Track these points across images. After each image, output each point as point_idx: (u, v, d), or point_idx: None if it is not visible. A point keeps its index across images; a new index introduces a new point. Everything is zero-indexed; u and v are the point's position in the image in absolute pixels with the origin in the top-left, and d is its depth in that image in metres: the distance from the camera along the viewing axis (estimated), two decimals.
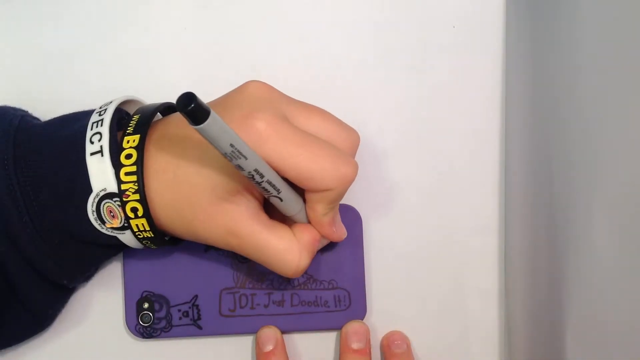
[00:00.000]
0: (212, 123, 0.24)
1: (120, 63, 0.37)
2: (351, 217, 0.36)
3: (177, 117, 0.31)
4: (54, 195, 0.30)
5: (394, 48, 0.39)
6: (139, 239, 0.31)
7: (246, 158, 0.26)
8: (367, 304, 0.37)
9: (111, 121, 0.30)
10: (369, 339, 0.36)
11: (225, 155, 0.26)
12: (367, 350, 0.36)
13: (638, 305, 0.26)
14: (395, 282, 0.37)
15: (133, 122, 0.30)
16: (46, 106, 0.34)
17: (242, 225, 0.30)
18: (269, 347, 0.35)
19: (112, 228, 0.30)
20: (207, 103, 0.28)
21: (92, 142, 0.29)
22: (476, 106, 0.38)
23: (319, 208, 0.31)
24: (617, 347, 0.27)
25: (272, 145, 0.28)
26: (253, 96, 0.30)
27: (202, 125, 0.24)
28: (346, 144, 0.31)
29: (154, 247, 0.32)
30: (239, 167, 0.27)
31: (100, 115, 0.30)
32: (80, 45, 0.37)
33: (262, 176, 0.28)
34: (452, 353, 0.38)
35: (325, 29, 0.39)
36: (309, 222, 0.32)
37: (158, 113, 0.32)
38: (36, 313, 0.33)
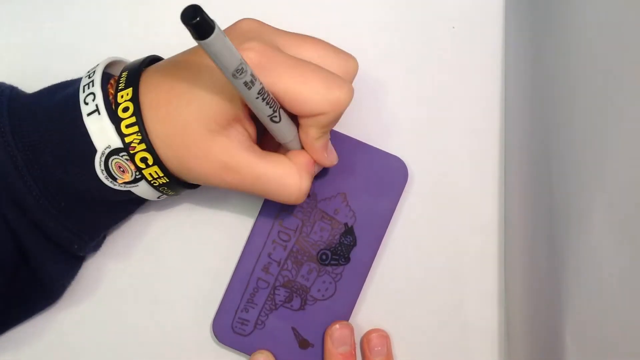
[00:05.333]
0: (217, 37, 0.24)
1: None
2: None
3: (167, 59, 0.32)
4: (55, 157, 0.30)
5: (394, 48, 0.39)
6: (154, 187, 0.31)
7: (252, 75, 0.26)
8: (366, 304, 0.37)
9: (102, 80, 0.30)
10: (354, 340, 0.36)
11: (230, 73, 0.25)
12: (352, 352, 0.36)
13: (638, 305, 0.26)
14: (395, 282, 0.37)
15: (123, 78, 0.30)
16: None
17: (238, 158, 0.30)
18: None
19: (125, 183, 0.30)
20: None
21: (86, 103, 0.30)
22: (476, 106, 0.38)
23: (312, 132, 0.31)
24: (617, 347, 0.27)
25: (263, 71, 0.28)
26: (244, 30, 0.30)
27: (207, 40, 0.23)
28: (341, 69, 0.31)
29: (173, 193, 0.32)
30: (245, 85, 0.26)
31: (90, 77, 0.31)
32: (81, 46, 0.37)
33: (266, 92, 0.28)
34: (452, 353, 0.37)
35: (324, 30, 0.38)
36: (302, 149, 0.32)
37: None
38: (47, 284, 0.33)
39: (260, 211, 0.36)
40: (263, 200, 0.36)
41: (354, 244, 0.36)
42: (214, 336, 0.36)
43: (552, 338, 0.31)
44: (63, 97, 0.31)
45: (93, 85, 0.30)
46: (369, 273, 0.37)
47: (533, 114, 0.35)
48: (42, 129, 0.30)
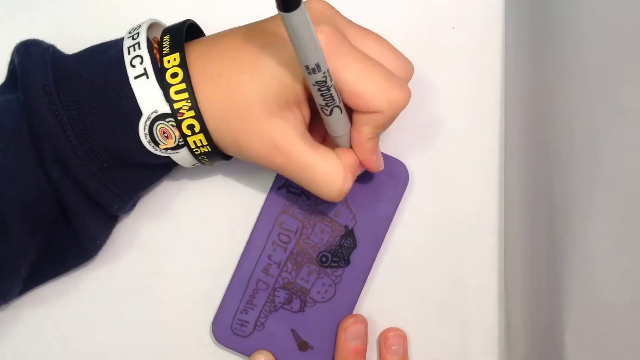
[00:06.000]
0: (301, 13, 0.23)
1: None
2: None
3: (217, 34, 0.32)
4: (99, 118, 0.30)
5: None
6: (195, 155, 0.31)
7: (323, 57, 0.26)
8: (365, 304, 0.37)
9: (147, 43, 0.30)
10: (367, 334, 0.36)
11: (303, 53, 0.25)
12: (364, 347, 0.36)
13: (637, 305, 0.26)
14: (395, 282, 0.37)
15: (166, 42, 0.30)
16: None
17: (290, 142, 0.30)
18: None
19: (166, 148, 0.30)
20: (268, 17, 0.29)
21: (133, 66, 0.30)
22: (476, 106, 0.38)
23: (366, 131, 0.31)
24: (617, 347, 0.27)
25: (329, 58, 0.28)
26: (314, 10, 0.30)
27: (291, 13, 0.23)
28: (400, 71, 0.31)
29: (208, 163, 0.32)
30: (315, 69, 0.26)
31: (134, 39, 0.30)
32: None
33: (330, 80, 0.27)
34: (452, 353, 0.38)
35: None
36: (351, 148, 0.32)
37: None
38: (85, 242, 0.33)
39: (260, 212, 0.36)
40: (264, 201, 0.36)
41: (354, 247, 0.36)
42: (214, 337, 0.36)
43: (552, 337, 0.31)
44: (107, 59, 0.30)
45: (140, 48, 0.30)
46: (369, 273, 0.37)
47: (533, 114, 0.35)
48: (87, 90, 0.30)
